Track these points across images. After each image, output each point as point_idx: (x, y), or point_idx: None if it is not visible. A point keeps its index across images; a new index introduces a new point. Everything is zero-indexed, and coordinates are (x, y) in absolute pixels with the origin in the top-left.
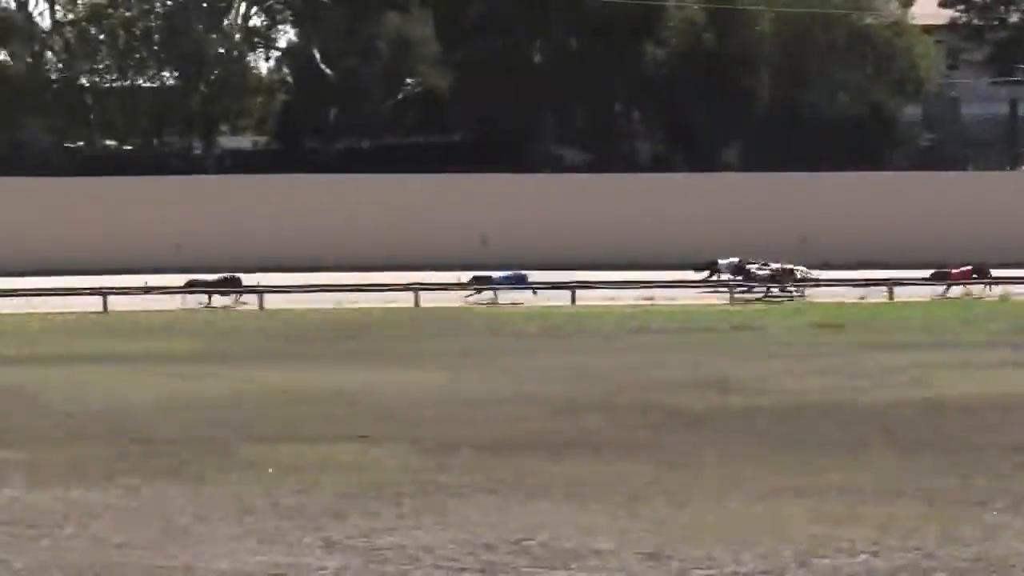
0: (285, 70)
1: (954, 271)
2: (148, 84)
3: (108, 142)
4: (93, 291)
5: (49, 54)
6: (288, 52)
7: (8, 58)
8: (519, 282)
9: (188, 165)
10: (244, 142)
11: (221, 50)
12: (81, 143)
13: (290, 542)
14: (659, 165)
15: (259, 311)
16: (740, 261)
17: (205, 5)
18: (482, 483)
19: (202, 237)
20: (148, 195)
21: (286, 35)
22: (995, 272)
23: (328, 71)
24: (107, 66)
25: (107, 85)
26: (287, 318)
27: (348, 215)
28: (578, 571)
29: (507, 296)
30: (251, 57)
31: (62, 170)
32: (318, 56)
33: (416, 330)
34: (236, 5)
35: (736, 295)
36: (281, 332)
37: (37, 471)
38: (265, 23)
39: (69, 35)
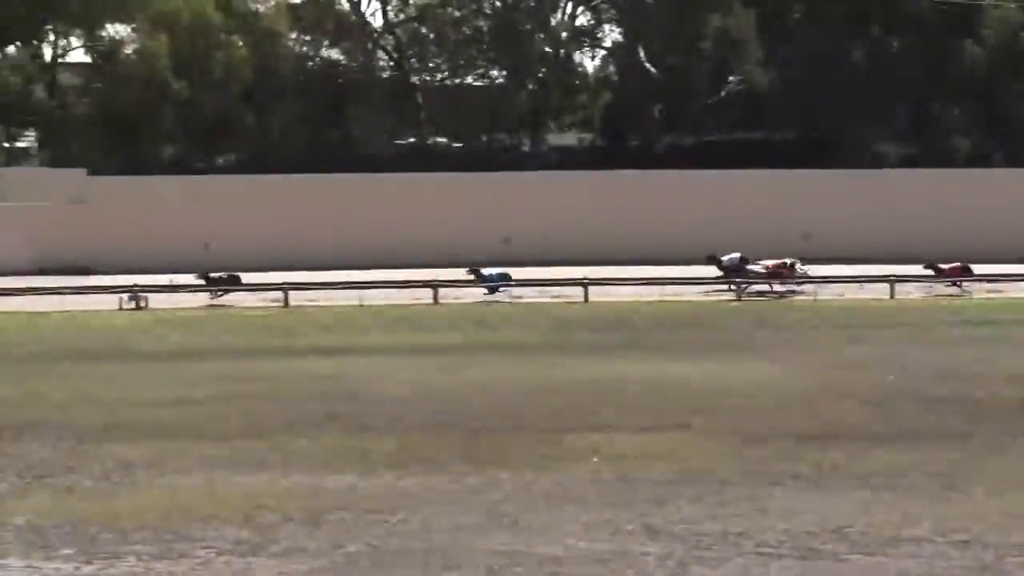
0: (611, 68)
1: (945, 267)
2: (477, 82)
3: (438, 139)
4: (424, 283)
5: (381, 53)
6: (613, 51)
7: (342, 56)
8: (505, 280)
9: (515, 161)
10: (570, 139)
11: (548, 49)
12: (411, 140)
13: (614, 529)
14: (977, 161)
15: (584, 303)
16: (742, 257)
17: (533, 4)
18: (802, 471)
19: (529, 231)
20: (477, 191)
21: (612, 34)
22: None
23: (652, 69)
24: (437, 64)
25: (437, 83)
26: (609, 310)
27: (669, 210)
28: (895, 558)
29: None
30: (577, 56)
31: (392, 166)
32: (642, 55)
33: (731, 322)
34: (563, 5)
35: (739, 291)
36: (604, 324)
37: (369, 459)
38: (591, 22)
39: (400, 34)
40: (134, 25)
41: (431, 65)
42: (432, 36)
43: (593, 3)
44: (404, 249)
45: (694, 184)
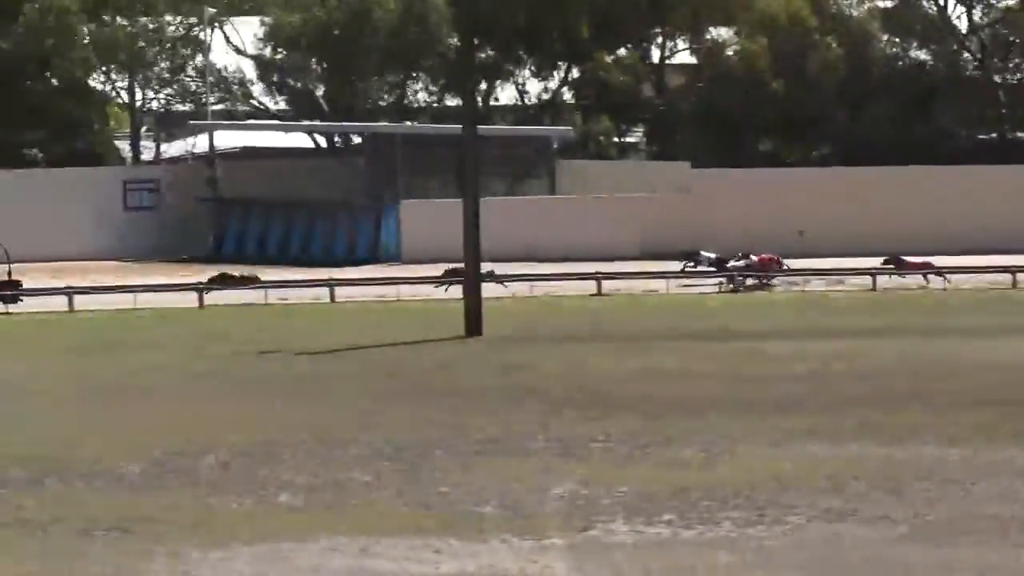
0: None
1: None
2: None
3: (1019, 134)
4: (1003, 269)
5: (966, 54)
6: None
7: (929, 57)
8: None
9: None
10: None
11: None
12: (993, 135)
13: None
14: None
15: None
16: (720, 255)
17: None
18: None
19: None
20: None
21: None
22: None
23: None
24: (1017, 64)
25: (1017, 81)
26: None
27: None
28: None
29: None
30: None
31: (974, 160)
32: None
33: None
34: None
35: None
36: None
37: (949, 432)
38: None
39: (984, 36)
40: (736, 28)
41: (1011, 65)
42: (1013, 38)
43: None
44: (986, 235)
45: None
